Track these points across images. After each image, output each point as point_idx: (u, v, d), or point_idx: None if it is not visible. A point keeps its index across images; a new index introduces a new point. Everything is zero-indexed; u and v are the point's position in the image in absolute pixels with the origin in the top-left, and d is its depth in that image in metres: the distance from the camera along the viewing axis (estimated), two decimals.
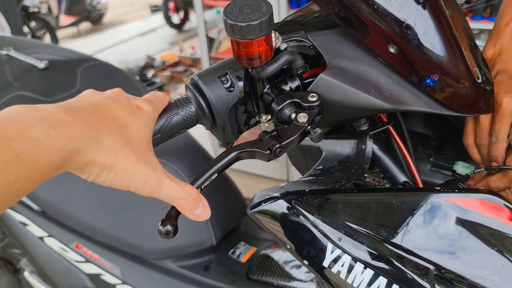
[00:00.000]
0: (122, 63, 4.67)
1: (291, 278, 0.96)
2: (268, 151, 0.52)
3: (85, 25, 7.47)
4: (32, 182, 0.37)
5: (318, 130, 0.53)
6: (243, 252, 1.09)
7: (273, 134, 0.54)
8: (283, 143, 0.52)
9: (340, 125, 0.78)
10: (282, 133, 0.53)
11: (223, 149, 3.02)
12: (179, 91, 4.11)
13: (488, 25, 1.91)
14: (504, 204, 0.55)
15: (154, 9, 7.81)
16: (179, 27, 6.77)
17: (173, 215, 0.48)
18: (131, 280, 1.07)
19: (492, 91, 0.66)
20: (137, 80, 1.42)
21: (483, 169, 0.71)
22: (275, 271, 0.99)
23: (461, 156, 0.81)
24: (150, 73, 4.54)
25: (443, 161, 0.81)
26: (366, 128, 0.70)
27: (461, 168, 0.79)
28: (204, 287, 1.03)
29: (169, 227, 0.47)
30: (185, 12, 6.73)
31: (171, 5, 6.54)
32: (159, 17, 7.09)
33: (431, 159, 0.82)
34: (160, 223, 0.48)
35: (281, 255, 1.05)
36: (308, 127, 0.53)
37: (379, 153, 0.70)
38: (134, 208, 1.07)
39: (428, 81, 0.58)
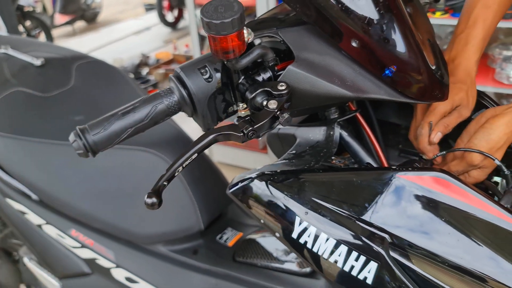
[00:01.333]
0: (117, 62, 4.72)
1: (273, 258, 1.03)
2: (242, 134, 0.59)
3: (80, 24, 7.51)
4: None
5: (286, 115, 0.60)
6: (230, 237, 1.15)
7: (246, 119, 0.60)
8: (255, 127, 0.59)
9: (314, 115, 0.84)
10: (255, 118, 0.60)
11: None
12: None
13: None
14: (454, 181, 0.62)
15: (149, 8, 7.85)
16: (173, 25, 6.82)
17: (158, 189, 0.55)
18: (124, 263, 1.13)
19: (447, 82, 0.73)
20: (130, 77, 1.48)
21: (444, 152, 0.77)
22: (259, 253, 1.06)
23: None
24: (144, 71, 4.59)
25: (410, 147, 0.88)
26: (336, 116, 0.77)
27: None
28: (193, 270, 1.09)
29: (154, 199, 0.54)
30: (179, 11, 6.78)
31: (165, 3, 6.58)
32: (154, 16, 7.13)
33: (400, 146, 0.89)
34: (146, 196, 0.54)
35: (264, 240, 1.11)
36: (278, 113, 0.60)
37: (348, 139, 0.77)
38: (126, 196, 1.13)
39: (387, 72, 0.65)
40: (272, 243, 1.09)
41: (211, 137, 0.59)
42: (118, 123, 0.60)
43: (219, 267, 1.07)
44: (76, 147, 0.59)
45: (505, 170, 0.70)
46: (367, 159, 0.76)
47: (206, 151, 0.96)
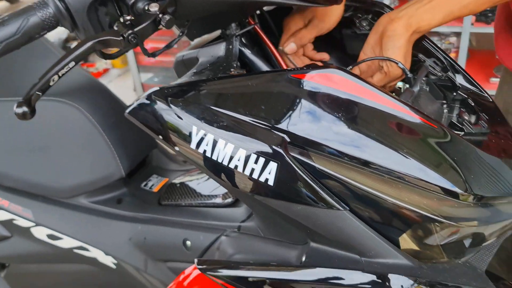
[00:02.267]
0: (43, 38, 4.47)
1: (198, 196, 1.01)
2: (122, 38, 0.56)
3: (1, 4, 7.03)
4: None
5: (168, 17, 0.57)
6: (155, 183, 1.13)
7: (127, 23, 0.57)
8: (135, 30, 0.56)
9: (217, 38, 0.82)
10: (136, 22, 0.57)
11: None
12: (104, 61, 4.01)
13: None
14: (349, 77, 0.61)
15: None
16: None
17: (29, 98, 0.51)
18: (44, 221, 1.08)
19: None
20: (51, 43, 1.38)
21: (350, 67, 0.76)
22: (184, 194, 1.04)
23: None
24: (73, 45, 4.38)
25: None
26: (236, 32, 0.75)
27: None
28: (117, 219, 1.06)
29: (25, 108, 0.50)
30: None
31: None
32: None
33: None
34: (15, 106, 0.50)
35: (190, 182, 1.09)
36: (160, 16, 0.57)
37: (250, 55, 0.76)
38: (40, 149, 1.07)
39: None
40: (198, 184, 1.07)
41: (89, 43, 0.55)
42: None
43: (144, 213, 1.05)
44: None
45: (408, 73, 0.71)
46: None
47: None
